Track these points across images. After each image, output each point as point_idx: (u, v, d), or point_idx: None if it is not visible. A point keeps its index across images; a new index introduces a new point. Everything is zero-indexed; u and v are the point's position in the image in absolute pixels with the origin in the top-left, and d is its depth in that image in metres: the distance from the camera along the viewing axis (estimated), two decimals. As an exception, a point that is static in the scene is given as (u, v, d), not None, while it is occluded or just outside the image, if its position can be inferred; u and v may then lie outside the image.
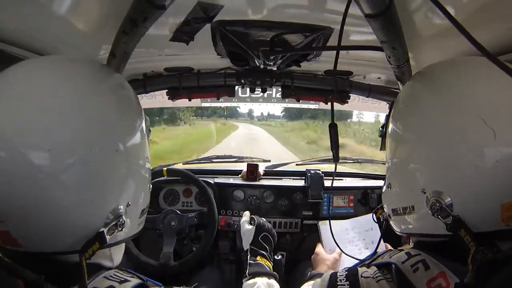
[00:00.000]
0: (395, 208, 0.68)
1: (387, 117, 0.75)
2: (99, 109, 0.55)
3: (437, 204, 0.54)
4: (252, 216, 1.13)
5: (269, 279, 0.91)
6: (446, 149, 0.55)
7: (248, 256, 1.00)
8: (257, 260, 0.99)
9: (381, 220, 0.77)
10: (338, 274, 0.67)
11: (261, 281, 0.90)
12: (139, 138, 0.61)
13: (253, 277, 0.91)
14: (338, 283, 0.65)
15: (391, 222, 0.73)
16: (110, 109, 0.57)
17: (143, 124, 0.64)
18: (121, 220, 0.55)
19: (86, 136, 0.51)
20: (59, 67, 0.57)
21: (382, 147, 0.79)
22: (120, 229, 0.56)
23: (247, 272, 0.94)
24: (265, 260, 1.00)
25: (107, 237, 0.53)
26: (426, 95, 0.63)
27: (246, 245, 1.04)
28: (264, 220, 1.14)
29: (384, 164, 0.78)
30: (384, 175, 0.74)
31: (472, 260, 0.49)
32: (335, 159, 0.78)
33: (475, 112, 0.52)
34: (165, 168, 1.34)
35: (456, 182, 0.54)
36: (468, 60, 0.64)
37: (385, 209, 0.75)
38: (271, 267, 0.99)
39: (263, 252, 1.03)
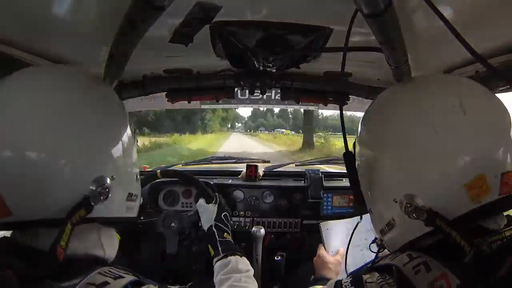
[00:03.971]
0: (381, 228, 0.70)
1: (354, 149, 0.77)
2: (87, 107, 0.63)
3: (409, 206, 0.57)
4: (216, 193, 1.17)
5: (241, 256, 0.93)
6: (403, 154, 0.62)
7: (216, 233, 1.00)
8: (226, 238, 1.00)
9: (377, 246, 0.78)
10: (343, 281, 0.68)
11: (235, 259, 0.91)
12: (122, 129, 0.69)
13: (226, 256, 0.92)
14: None
15: (385, 246, 0.74)
16: (96, 111, 0.65)
17: (128, 127, 0.71)
18: (105, 186, 0.60)
19: (75, 123, 0.60)
20: (51, 79, 0.64)
21: None
22: (104, 196, 0.60)
23: (220, 250, 0.94)
24: (230, 238, 1.01)
25: (92, 203, 0.58)
26: (387, 113, 0.69)
27: (209, 222, 1.05)
28: (223, 199, 1.16)
29: None
30: None
31: (465, 242, 0.52)
32: (356, 206, 0.76)
33: (420, 118, 0.60)
34: (159, 171, 1.34)
35: (419, 180, 0.59)
36: (424, 81, 0.73)
37: (376, 236, 0.76)
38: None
39: (227, 229, 1.04)
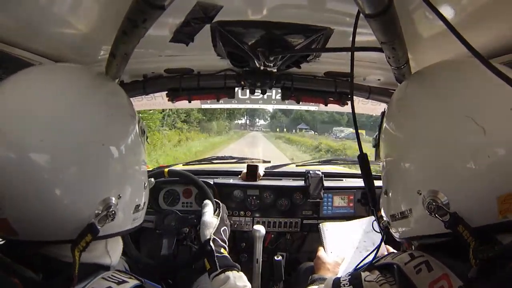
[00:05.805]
0: (393, 214, 0.68)
1: (380, 127, 0.76)
2: (92, 114, 0.60)
3: (433, 203, 0.54)
4: (217, 201, 1.17)
5: (238, 272, 0.94)
6: (438, 148, 0.56)
7: (213, 248, 0.99)
8: (223, 253, 0.99)
9: (382, 228, 0.77)
10: (341, 279, 0.67)
11: (232, 275, 0.91)
12: (129, 139, 0.66)
13: (224, 271, 0.92)
14: (341, 287, 0.65)
15: (391, 230, 0.72)
16: (102, 113, 0.62)
17: (136, 127, 0.69)
18: (111, 210, 0.59)
19: (79, 138, 0.56)
20: (56, 77, 0.62)
21: (377, 157, 0.79)
22: (111, 218, 0.59)
23: (217, 265, 0.94)
24: (227, 253, 1.01)
25: (99, 227, 0.57)
26: (417, 98, 0.65)
27: (207, 234, 1.04)
28: (226, 212, 1.17)
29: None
30: None
31: (473, 255, 0.49)
32: (372, 203, 0.73)
33: (465, 112, 0.53)
34: (166, 169, 1.34)
35: (451, 180, 0.54)
36: (457, 63, 0.66)
37: (384, 217, 0.75)
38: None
39: (225, 244, 1.04)
